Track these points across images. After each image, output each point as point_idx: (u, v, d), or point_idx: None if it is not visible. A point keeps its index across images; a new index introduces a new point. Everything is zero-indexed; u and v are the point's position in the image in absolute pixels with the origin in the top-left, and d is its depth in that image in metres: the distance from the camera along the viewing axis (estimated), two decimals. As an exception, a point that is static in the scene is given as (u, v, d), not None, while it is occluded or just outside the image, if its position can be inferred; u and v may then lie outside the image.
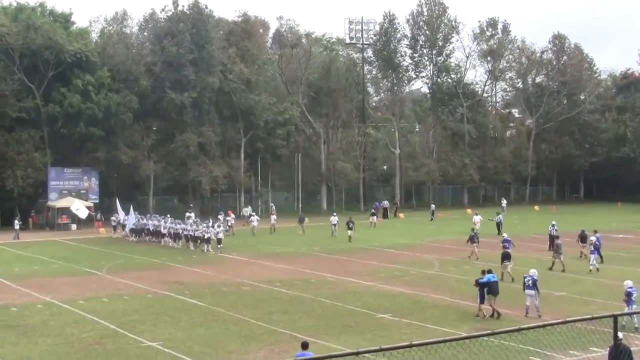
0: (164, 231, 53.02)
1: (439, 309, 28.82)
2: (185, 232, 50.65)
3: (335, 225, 56.94)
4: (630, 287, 24.75)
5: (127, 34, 79.16)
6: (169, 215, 57.48)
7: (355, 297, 31.09)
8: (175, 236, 51.63)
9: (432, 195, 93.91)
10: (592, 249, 37.53)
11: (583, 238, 42.03)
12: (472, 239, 41.94)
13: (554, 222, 47.17)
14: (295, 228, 60.59)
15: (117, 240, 56.41)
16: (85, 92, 67.49)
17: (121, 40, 77.02)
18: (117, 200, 61.02)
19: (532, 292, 26.95)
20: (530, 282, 27.04)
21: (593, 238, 38.85)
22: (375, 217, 67.09)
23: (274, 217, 62.81)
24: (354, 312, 28.22)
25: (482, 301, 26.87)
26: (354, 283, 34.91)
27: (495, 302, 26.83)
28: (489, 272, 27.61)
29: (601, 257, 38.67)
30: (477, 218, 57.37)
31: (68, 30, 71.16)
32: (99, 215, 67.66)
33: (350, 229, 52.75)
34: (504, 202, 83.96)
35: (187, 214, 62.07)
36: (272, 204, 75.00)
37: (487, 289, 26.84)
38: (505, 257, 34.75)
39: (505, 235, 37.12)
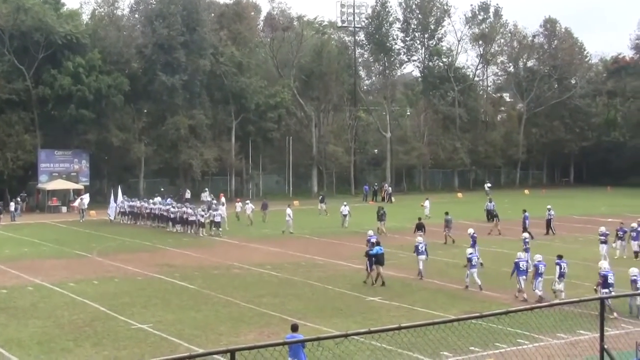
0: (192, 218, 50.07)
1: (428, 292, 29.00)
2: (186, 216, 50.08)
3: (345, 215, 52.36)
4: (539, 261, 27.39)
5: (118, 15, 78.72)
6: (169, 199, 57.81)
7: (345, 280, 31.23)
8: (186, 222, 50.15)
9: (422, 178, 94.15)
10: (472, 242, 34.26)
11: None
12: (419, 227, 41.22)
13: (549, 206, 47.84)
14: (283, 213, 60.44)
15: (107, 223, 56.35)
16: (75, 74, 67.31)
17: (112, 22, 76.67)
18: (120, 188, 59.96)
19: (424, 257, 31.68)
20: (424, 248, 31.75)
21: (471, 230, 35.94)
22: (324, 204, 62.33)
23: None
24: (344, 295, 28.35)
25: (370, 269, 30.47)
26: (344, 266, 35.02)
27: (381, 271, 30.27)
28: (378, 244, 31.46)
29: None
30: (427, 202, 57.55)
31: (58, 12, 70.94)
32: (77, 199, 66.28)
33: (381, 220, 48.55)
34: (488, 185, 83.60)
35: (157, 198, 59.94)
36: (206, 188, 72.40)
37: (375, 260, 30.33)
38: (419, 227, 40.66)
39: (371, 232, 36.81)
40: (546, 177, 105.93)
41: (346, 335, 8.07)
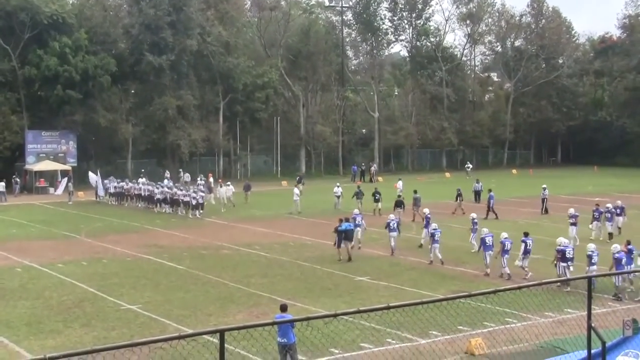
0: (186, 199, 49.16)
1: (417, 271, 29.12)
2: (176, 197, 49.69)
3: (339, 197, 50.77)
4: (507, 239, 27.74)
5: (104, -5, 78.21)
6: (166, 180, 57.78)
7: (333, 260, 31.28)
8: (173, 202, 50.11)
9: (410, 158, 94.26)
10: (426, 222, 34.20)
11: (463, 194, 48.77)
12: (398, 204, 43.04)
13: (544, 186, 48.41)
14: (271, 192, 60.44)
15: (95, 204, 56.25)
16: (62, 55, 66.85)
17: (98, 2, 76.09)
18: (99, 173, 59.89)
19: (395, 234, 32.32)
20: (395, 224, 32.43)
21: (426, 210, 35.79)
22: (301, 185, 60.56)
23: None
24: (333, 275, 28.44)
25: (339, 246, 31.10)
26: (333, 246, 35.04)
27: (350, 247, 31.35)
28: (347, 220, 32.02)
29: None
30: (400, 183, 57.42)
31: (44, -9, 70.26)
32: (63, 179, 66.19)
33: (377, 200, 47.67)
34: (469, 166, 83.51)
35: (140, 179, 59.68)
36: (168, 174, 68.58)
37: (344, 235, 31.01)
38: (398, 204, 42.56)
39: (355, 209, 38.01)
40: (534, 157, 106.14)
41: (335, 315, 8.10)
